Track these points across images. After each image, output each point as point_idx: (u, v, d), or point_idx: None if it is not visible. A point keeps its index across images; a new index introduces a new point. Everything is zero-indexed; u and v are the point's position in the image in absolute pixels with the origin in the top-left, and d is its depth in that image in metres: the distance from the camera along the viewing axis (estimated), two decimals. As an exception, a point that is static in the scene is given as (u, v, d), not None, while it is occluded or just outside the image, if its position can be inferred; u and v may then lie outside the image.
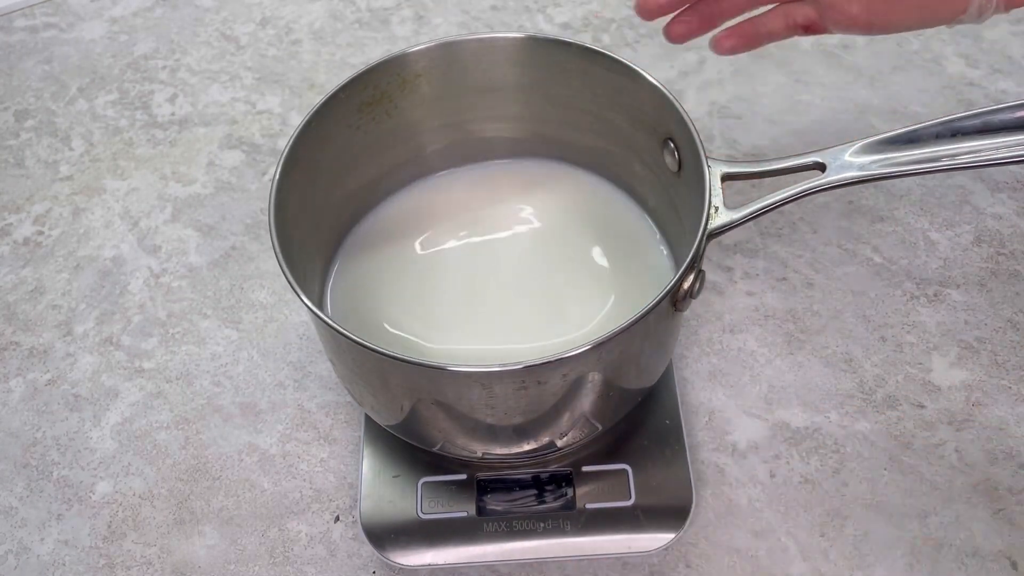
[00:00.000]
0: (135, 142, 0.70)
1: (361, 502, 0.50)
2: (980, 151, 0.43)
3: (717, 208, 0.44)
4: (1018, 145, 0.42)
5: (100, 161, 0.69)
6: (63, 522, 0.52)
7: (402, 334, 0.51)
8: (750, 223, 0.49)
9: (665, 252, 0.53)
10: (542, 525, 0.49)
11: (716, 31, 0.52)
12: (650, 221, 0.54)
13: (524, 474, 0.50)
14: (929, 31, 0.71)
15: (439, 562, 0.48)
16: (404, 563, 0.48)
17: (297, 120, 0.47)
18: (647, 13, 0.50)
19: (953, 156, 0.43)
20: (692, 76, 0.70)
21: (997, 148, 0.43)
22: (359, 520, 0.49)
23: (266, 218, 0.44)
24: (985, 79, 0.68)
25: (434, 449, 0.49)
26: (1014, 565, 0.47)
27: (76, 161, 0.69)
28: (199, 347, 0.58)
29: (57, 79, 0.74)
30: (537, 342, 0.50)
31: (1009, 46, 0.70)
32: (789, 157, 0.46)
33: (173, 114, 0.71)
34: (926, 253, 0.59)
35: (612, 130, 0.52)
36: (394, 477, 0.50)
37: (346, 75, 0.49)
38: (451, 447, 0.48)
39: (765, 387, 0.54)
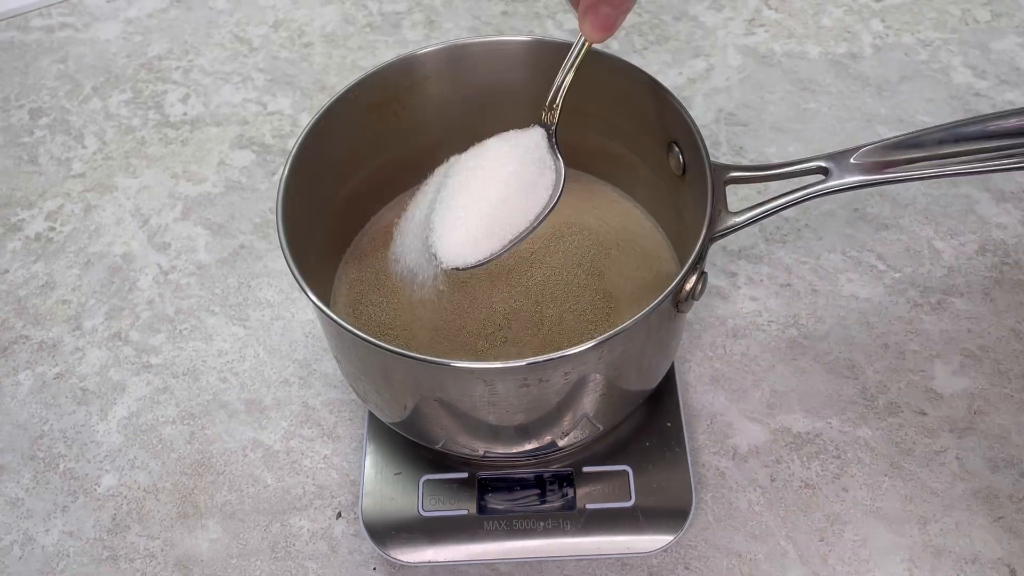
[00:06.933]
0: (147, 141, 0.70)
1: (363, 499, 0.50)
2: (983, 157, 0.43)
3: (720, 211, 0.44)
4: (1021, 151, 0.43)
5: (112, 159, 0.69)
6: (68, 514, 0.52)
7: (407, 333, 0.51)
8: (754, 228, 0.49)
9: (668, 254, 0.53)
10: (542, 524, 0.49)
11: None
12: (654, 223, 0.54)
13: (525, 473, 0.50)
14: (938, 41, 0.72)
15: (439, 559, 0.48)
16: (405, 560, 0.48)
17: (307, 121, 0.47)
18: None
19: (956, 162, 0.43)
20: (700, 83, 0.71)
21: (1000, 154, 0.43)
22: (361, 517, 0.50)
23: (275, 217, 0.44)
24: (992, 90, 0.68)
25: (436, 447, 0.49)
26: (1013, 573, 0.47)
27: (89, 159, 0.70)
28: (206, 343, 0.59)
29: (72, 78, 0.75)
30: (541, 343, 0.50)
31: (1017, 57, 0.70)
32: (793, 162, 0.46)
33: (185, 114, 0.72)
34: (930, 261, 0.59)
35: (617, 133, 0.52)
36: (396, 474, 0.51)
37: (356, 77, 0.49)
38: (453, 445, 0.48)
39: (767, 392, 0.54)
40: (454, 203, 0.43)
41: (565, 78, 0.44)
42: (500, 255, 0.43)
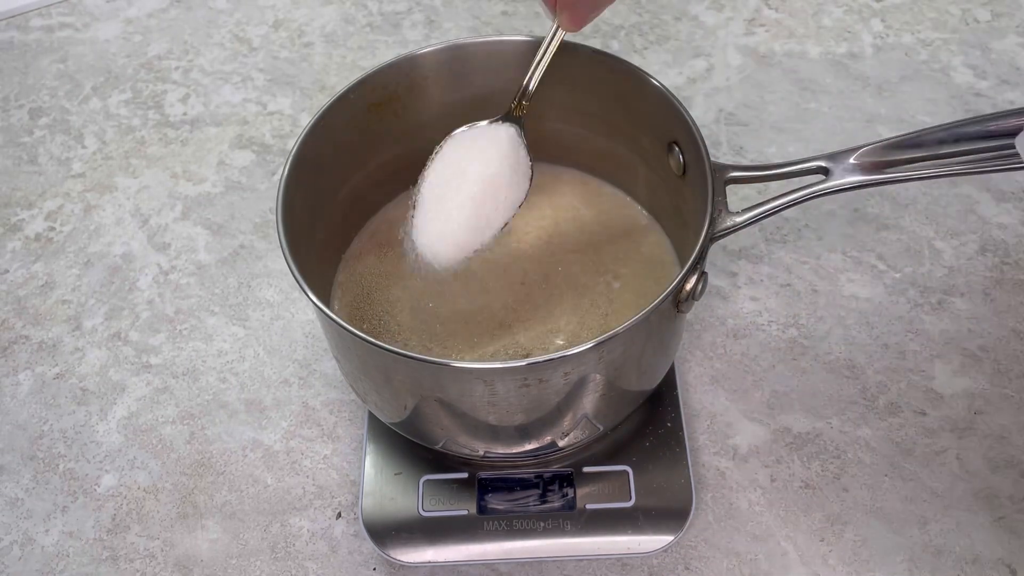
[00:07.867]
0: (147, 141, 0.70)
1: (363, 499, 0.50)
2: (983, 157, 0.43)
3: (720, 211, 0.44)
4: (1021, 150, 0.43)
5: (112, 159, 0.69)
6: (68, 514, 0.52)
7: (406, 334, 0.51)
8: (754, 228, 0.49)
9: (669, 254, 0.53)
10: (542, 525, 0.49)
11: None
12: (654, 223, 0.54)
13: (525, 473, 0.50)
14: (938, 41, 0.72)
15: (439, 560, 0.48)
16: (405, 560, 0.48)
17: (307, 121, 0.47)
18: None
19: (956, 162, 0.43)
20: (700, 83, 0.71)
21: (1000, 154, 0.43)
22: (360, 517, 0.50)
23: (275, 217, 0.44)
24: (993, 90, 0.68)
25: (436, 447, 0.49)
26: (1013, 573, 0.47)
27: (89, 159, 0.70)
28: (206, 343, 0.59)
29: (72, 78, 0.75)
30: (541, 344, 0.50)
31: (1017, 57, 0.70)
32: (793, 162, 0.46)
33: (185, 114, 0.72)
34: (931, 261, 0.59)
35: (618, 133, 0.52)
36: (396, 475, 0.51)
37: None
38: (453, 445, 0.48)
39: (767, 392, 0.54)
40: (438, 204, 0.46)
41: (540, 63, 0.47)
42: (482, 251, 0.45)
